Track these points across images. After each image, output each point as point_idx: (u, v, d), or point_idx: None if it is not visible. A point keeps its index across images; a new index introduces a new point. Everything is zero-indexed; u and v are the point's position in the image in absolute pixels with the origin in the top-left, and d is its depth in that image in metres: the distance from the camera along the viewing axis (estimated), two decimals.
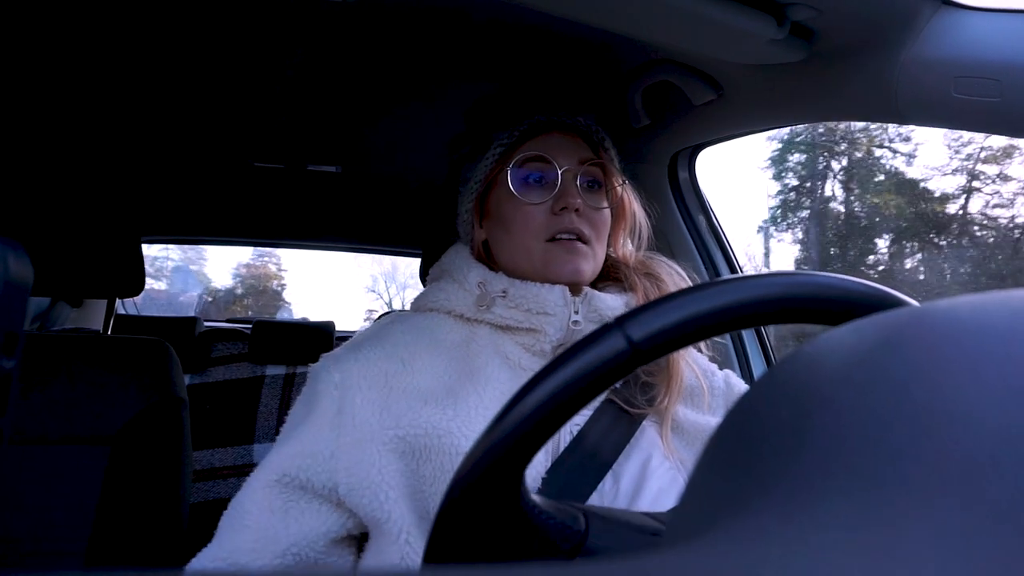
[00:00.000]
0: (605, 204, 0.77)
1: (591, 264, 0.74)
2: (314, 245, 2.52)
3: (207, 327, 2.29)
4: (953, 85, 0.68)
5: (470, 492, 0.31)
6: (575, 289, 0.73)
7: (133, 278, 1.25)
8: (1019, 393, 0.15)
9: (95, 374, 1.10)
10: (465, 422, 0.63)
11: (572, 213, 0.73)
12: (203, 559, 0.61)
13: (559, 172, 0.74)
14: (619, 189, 0.80)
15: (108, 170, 1.61)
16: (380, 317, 0.93)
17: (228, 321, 2.76)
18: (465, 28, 0.95)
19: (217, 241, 2.52)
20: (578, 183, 0.75)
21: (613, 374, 0.31)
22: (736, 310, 0.32)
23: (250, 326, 2.22)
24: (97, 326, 2.10)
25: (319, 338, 2.19)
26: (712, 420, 0.72)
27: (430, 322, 0.74)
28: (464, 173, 0.81)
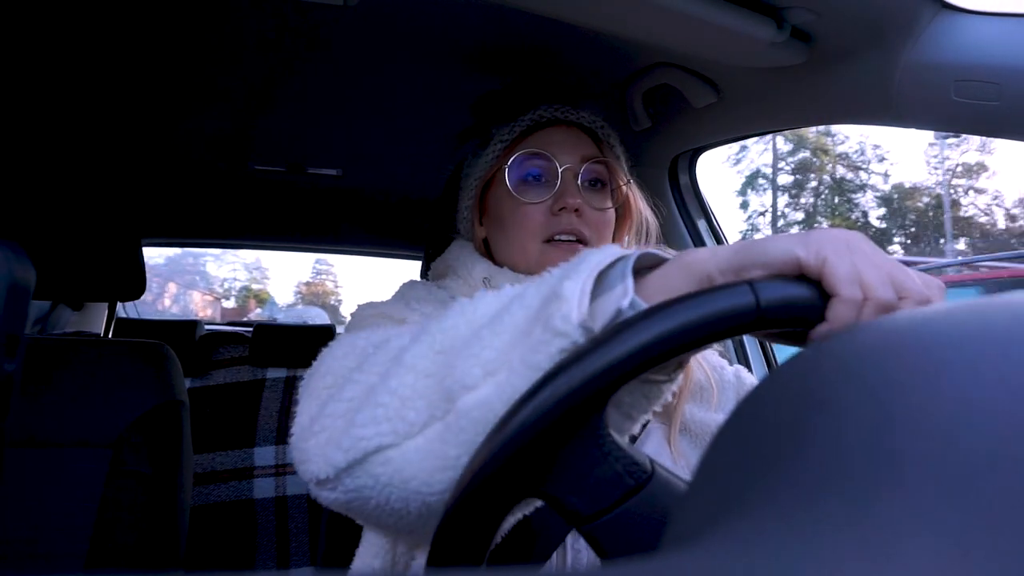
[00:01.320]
0: (609, 204, 0.74)
1: None
2: (315, 248, 2.52)
3: (208, 330, 2.29)
4: (952, 88, 0.68)
5: (572, 404, 0.31)
6: None
7: (133, 281, 1.25)
8: (1018, 396, 0.15)
9: (96, 377, 1.10)
10: None
11: (572, 214, 0.70)
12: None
13: (559, 170, 0.71)
14: (624, 188, 0.76)
15: (108, 173, 1.62)
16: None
17: (229, 324, 2.76)
18: (465, 31, 0.95)
19: (217, 244, 2.52)
20: (580, 182, 0.72)
21: (733, 330, 0.33)
22: None
23: (251, 329, 2.22)
24: (98, 329, 2.10)
25: (320, 340, 2.17)
26: (720, 418, 0.70)
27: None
28: (466, 168, 0.80)
